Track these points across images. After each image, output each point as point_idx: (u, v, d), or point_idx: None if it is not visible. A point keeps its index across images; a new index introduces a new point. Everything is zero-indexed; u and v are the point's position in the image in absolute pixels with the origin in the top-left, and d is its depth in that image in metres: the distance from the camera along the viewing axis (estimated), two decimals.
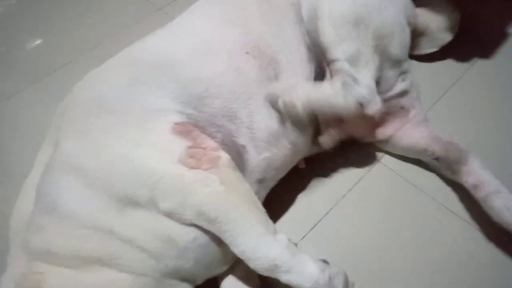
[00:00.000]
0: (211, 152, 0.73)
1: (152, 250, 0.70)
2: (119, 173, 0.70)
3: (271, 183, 0.88)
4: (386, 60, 0.90)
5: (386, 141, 0.98)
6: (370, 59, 0.84)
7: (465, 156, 0.86)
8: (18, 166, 0.87)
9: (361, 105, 0.81)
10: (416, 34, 1.04)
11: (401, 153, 0.99)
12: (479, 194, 0.83)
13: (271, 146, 0.83)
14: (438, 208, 0.91)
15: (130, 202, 0.69)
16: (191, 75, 0.80)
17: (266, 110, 0.83)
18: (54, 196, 0.71)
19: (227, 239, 0.70)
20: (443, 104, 1.07)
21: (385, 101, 0.91)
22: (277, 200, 0.92)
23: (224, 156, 0.74)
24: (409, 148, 0.96)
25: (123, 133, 0.73)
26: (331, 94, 0.81)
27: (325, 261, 0.72)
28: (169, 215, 0.70)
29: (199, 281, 0.78)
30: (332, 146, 0.90)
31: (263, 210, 0.74)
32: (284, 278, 0.69)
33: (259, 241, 0.69)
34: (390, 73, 0.92)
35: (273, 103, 0.83)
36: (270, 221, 0.73)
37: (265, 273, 0.70)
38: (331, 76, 0.86)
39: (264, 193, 0.86)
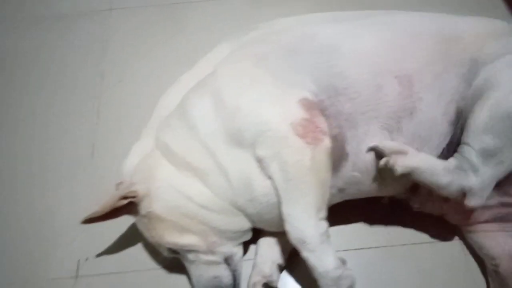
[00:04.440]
0: (319, 133, 0.81)
1: (234, 184, 0.85)
2: (243, 112, 0.83)
3: (347, 197, 0.93)
4: None
5: (470, 230, 0.94)
6: (506, 162, 0.79)
7: None
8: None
9: (463, 194, 0.80)
10: None
11: (472, 244, 0.95)
12: None
13: (365, 172, 0.87)
14: None
15: (237, 140, 0.83)
16: (341, 69, 0.86)
17: (378, 140, 0.85)
18: (188, 107, 0.89)
19: (284, 198, 0.81)
20: None
21: (503, 205, 0.87)
22: (346, 208, 0.97)
23: (327, 142, 0.81)
24: (482, 247, 0.91)
25: (266, 88, 0.85)
26: (439, 172, 0.81)
27: (344, 262, 0.80)
28: (259, 161, 0.82)
29: (254, 226, 0.92)
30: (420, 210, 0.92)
31: (326, 200, 0.82)
32: (304, 254, 0.79)
33: (304, 216, 0.79)
34: None
35: (377, 155, 0.86)
36: (324, 210, 0.82)
37: (293, 242, 0.80)
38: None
39: (336, 200, 0.92)
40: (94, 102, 1.30)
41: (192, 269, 0.91)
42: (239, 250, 0.93)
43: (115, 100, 1.30)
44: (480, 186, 0.80)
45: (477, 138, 0.80)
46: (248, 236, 0.94)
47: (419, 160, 0.82)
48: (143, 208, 0.87)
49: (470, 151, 0.80)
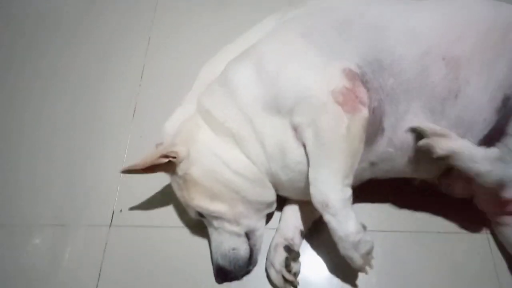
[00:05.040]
0: (359, 103, 0.82)
1: (268, 151, 0.88)
2: (285, 79, 0.85)
3: (379, 173, 0.93)
4: None
5: (500, 222, 0.92)
6: None
7: None
8: None
9: (501, 184, 0.79)
10: None
11: (500, 236, 0.94)
12: None
13: (399, 150, 0.88)
14: None
15: (276, 106, 0.85)
16: (388, 45, 0.86)
17: (418, 119, 0.85)
18: (231, 73, 0.91)
19: (313, 162, 0.82)
20: None
21: None
22: (375, 187, 0.98)
23: (365, 113, 0.82)
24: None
25: (310, 57, 0.86)
26: (479, 159, 0.80)
27: (365, 227, 0.82)
28: (296, 128, 0.84)
29: (281, 194, 0.96)
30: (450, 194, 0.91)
31: (354, 169, 0.83)
32: (326, 217, 0.81)
33: (330, 181, 0.81)
34: None
35: (416, 136, 0.85)
36: (351, 178, 0.83)
37: (316, 205, 0.82)
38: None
39: (368, 175, 0.93)
40: (139, 65, 1.34)
41: (214, 236, 0.95)
42: (261, 226, 0.96)
43: (158, 65, 1.34)
44: None
45: None
46: (272, 208, 0.98)
47: (460, 145, 0.81)
48: (181, 169, 0.90)
49: None
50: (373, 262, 0.84)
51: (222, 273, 0.93)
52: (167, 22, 1.45)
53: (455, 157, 0.81)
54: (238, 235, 0.93)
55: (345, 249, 0.81)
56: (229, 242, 0.92)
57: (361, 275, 0.93)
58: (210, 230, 0.96)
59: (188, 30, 1.42)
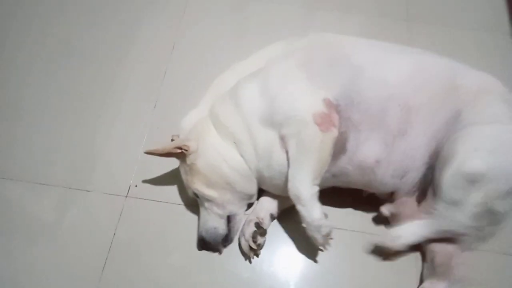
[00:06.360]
0: (332, 125, 1.06)
1: (259, 153, 1.12)
2: (281, 100, 1.09)
3: (338, 184, 1.19)
4: (486, 212, 1.04)
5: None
6: (469, 209, 1.03)
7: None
8: None
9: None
10: None
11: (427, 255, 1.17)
12: None
13: (356, 168, 1.12)
14: None
15: (270, 120, 1.09)
16: (360, 88, 1.10)
17: (374, 154, 1.09)
18: (240, 89, 1.15)
19: (293, 164, 1.06)
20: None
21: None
22: (335, 194, 1.22)
23: (335, 133, 1.06)
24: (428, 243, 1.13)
25: (301, 86, 1.10)
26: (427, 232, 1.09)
27: (326, 215, 1.05)
28: (282, 138, 1.08)
29: (262, 187, 1.21)
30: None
31: (322, 173, 1.07)
32: (298, 206, 1.05)
33: (303, 179, 1.05)
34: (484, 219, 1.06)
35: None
36: (319, 179, 1.06)
37: (291, 196, 1.06)
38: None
39: (330, 183, 1.17)
40: (162, 68, 1.57)
41: (203, 213, 1.19)
42: (242, 212, 1.21)
43: (179, 70, 1.57)
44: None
45: (444, 195, 1.05)
46: (253, 200, 1.24)
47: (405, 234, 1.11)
48: (190, 159, 1.15)
49: (439, 205, 1.07)
50: (331, 241, 1.08)
51: (202, 243, 1.18)
52: (191, 32, 1.66)
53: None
54: (221, 217, 1.17)
55: (310, 231, 1.05)
56: (213, 221, 1.17)
57: (321, 261, 1.19)
58: (201, 209, 1.19)
59: (210, 44, 1.63)
